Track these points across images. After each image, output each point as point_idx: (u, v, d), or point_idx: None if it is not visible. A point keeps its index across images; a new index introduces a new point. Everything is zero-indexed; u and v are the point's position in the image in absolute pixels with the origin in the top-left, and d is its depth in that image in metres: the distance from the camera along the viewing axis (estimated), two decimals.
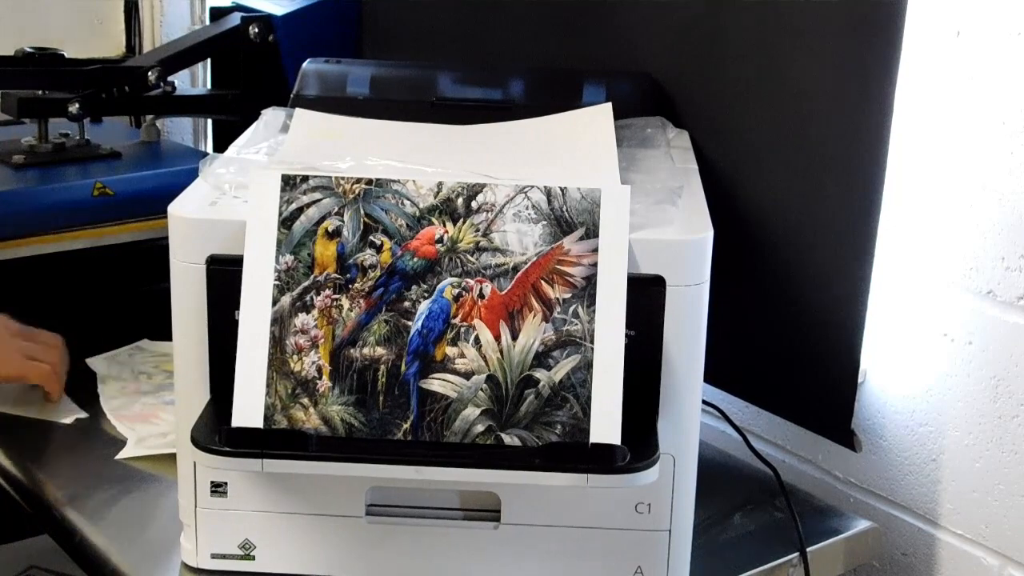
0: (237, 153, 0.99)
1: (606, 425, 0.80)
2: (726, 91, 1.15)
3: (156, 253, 0.99)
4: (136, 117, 1.86)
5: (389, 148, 0.98)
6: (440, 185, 0.85)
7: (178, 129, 2.21)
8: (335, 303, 0.83)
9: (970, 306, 1.06)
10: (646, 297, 0.84)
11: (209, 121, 2.05)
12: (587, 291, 0.82)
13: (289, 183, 0.84)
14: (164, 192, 0.93)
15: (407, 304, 0.83)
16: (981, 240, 1.05)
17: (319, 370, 0.82)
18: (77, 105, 1.48)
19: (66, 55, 1.56)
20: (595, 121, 1.05)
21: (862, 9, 1.01)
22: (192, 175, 0.94)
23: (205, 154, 1.23)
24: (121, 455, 1.14)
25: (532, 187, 0.84)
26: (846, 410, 1.08)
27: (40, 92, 1.49)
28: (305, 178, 0.85)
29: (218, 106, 1.68)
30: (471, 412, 0.82)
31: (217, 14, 1.70)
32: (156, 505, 1.05)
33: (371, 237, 0.84)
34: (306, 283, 0.83)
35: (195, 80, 2.10)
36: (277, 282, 0.83)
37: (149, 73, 1.52)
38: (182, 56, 1.60)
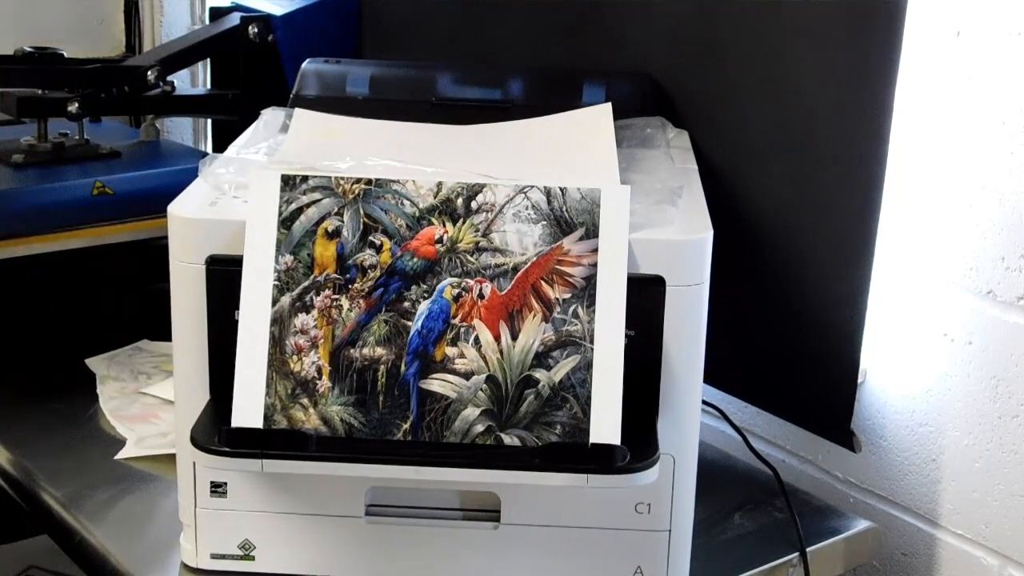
0: (237, 153, 0.99)
1: (606, 425, 0.80)
2: (726, 91, 1.14)
3: (156, 253, 0.98)
4: (136, 117, 1.86)
5: (389, 148, 0.98)
6: (440, 185, 0.85)
7: (178, 129, 2.21)
8: (335, 303, 0.83)
9: (970, 306, 1.06)
10: (646, 297, 0.84)
11: (209, 121, 2.05)
12: (587, 291, 0.82)
13: (289, 183, 0.84)
14: (164, 192, 0.93)
15: (407, 304, 0.83)
16: (981, 240, 1.05)
17: (319, 370, 0.82)
18: (77, 104, 1.47)
19: (66, 55, 1.56)
20: (595, 121, 1.05)
21: (862, 9, 1.01)
22: (192, 175, 0.94)
23: (205, 154, 1.22)
24: (121, 455, 1.14)
25: (532, 187, 0.84)
26: (846, 410, 1.08)
27: (40, 92, 1.49)
28: (305, 178, 0.85)
29: (218, 106, 1.68)
30: (471, 412, 0.81)
31: (217, 14, 1.69)
32: (156, 505, 1.05)
33: (371, 237, 0.84)
34: (306, 283, 0.83)
35: (195, 80, 2.10)
36: (277, 282, 0.83)
37: (149, 73, 1.52)
38: (182, 56, 1.60)
